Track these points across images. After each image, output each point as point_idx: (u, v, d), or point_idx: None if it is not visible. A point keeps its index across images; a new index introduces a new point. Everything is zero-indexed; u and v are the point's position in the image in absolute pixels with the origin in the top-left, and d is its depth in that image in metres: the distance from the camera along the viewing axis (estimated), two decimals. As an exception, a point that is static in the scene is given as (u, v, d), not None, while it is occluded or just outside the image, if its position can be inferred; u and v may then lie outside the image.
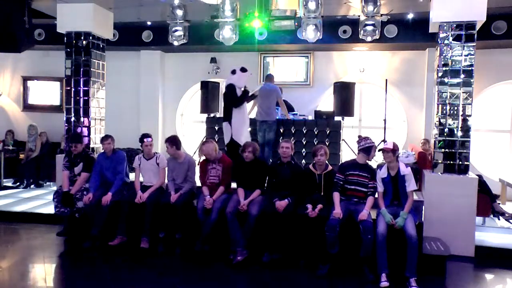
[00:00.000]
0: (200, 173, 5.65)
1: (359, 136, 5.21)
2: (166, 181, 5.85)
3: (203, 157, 5.70)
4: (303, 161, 7.13)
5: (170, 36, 7.15)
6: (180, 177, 5.68)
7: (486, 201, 6.39)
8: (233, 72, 6.79)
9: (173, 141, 5.69)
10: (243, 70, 6.81)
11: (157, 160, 5.81)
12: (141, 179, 5.88)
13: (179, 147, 5.77)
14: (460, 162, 5.68)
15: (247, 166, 5.44)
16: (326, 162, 5.25)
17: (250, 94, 6.95)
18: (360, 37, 6.72)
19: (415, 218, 4.83)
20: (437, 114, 5.78)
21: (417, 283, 4.44)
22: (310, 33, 6.53)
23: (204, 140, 5.88)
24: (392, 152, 4.82)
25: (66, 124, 7.04)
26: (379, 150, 5.06)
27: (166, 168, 5.82)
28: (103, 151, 5.97)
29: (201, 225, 5.32)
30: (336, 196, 5.01)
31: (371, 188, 5.00)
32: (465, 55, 5.66)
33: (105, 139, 5.91)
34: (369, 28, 6.43)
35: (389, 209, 4.85)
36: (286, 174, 5.28)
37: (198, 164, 6.11)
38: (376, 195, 5.00)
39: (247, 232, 5.13)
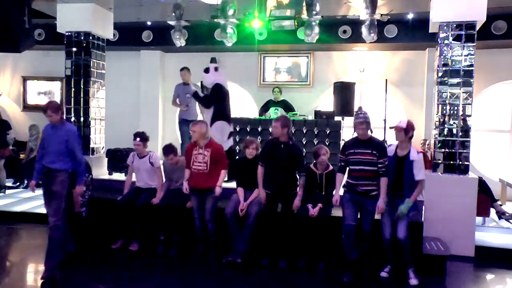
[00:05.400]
0: (186, 158, 5.35)
1: (359, 108, 4.87)
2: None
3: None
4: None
5: (171, 36, 7.15)
6: (180, 179, 5.53)
7: (486, 201, 6.39)
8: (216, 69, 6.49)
9: (173, 149, 5.54)
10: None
11: (150, 159, 5.59)
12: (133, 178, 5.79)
13: (177, 152, 5.65)
14: (460, 162, 5.68)
15: (248, 163, 5.24)
16: (327, 161, 5.22)
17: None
18: (361, 37, 6.72)
19: (413, 210, 4.62)
20: (437, 114, 5.78)
21: (416, 276, 4.51)
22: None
23: (196, 120, 5.49)
24: (404, 131, 4.49)
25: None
26: (390, 128, 4.78)
27: (162, 167, 5.68)
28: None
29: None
30: (338, 178, 4.76)
31: (382, 168, 4.48)
32: (465, 55, 5.66)
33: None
34: (369, 28, 6.43)
35: (389, 200, 4.52)
36: (282, 155, 4.93)
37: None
38: None
39: (246, 234, 5.00)
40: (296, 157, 4.98)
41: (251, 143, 5.25)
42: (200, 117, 7.21)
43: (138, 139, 5.55)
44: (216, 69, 6.39)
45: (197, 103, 7.09)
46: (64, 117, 4.59)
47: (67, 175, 4.52)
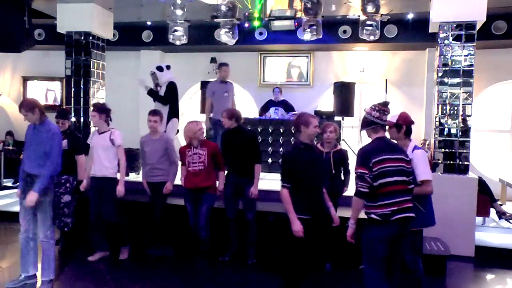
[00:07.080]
0: (181, 159, 5.12)
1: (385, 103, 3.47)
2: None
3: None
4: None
5: (170, 36, 7.16)
6: (155, 156, 5.16)
7: (486, 201, 6.39)
8: (168, 67, 6.56)
9: (159, 112, 5.29)
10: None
11: (111, 136, 5.02)
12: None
13: (162, 117, 5.34)
14: (460, 162, 5.68)
15: (230, 136, 5.01)
16: (335, 141, 4.81)
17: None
18: (361, 37, 6.72)
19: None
20: (437, 114, 5.79)
21: None
22: None
23: (190, 121, 5.13)
24: (396, 127, 3.71)
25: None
26: None
27: (140, 151, 5.37)
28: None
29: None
30: (357, 204, 3.29)
31: (411, 176, 3.38)
32: (465, 55, 5.67)
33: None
34: (369, 28, 6.43)
35: None
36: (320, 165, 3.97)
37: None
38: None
39: (253, 236, 4.98)
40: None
41: (224, 111, 5.08)
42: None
43: (92, 109, 5.14)
44: (168, 67, 6.55)
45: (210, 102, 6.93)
46: (46, 116, 4.14)
47: (52, 181, 4.17)
